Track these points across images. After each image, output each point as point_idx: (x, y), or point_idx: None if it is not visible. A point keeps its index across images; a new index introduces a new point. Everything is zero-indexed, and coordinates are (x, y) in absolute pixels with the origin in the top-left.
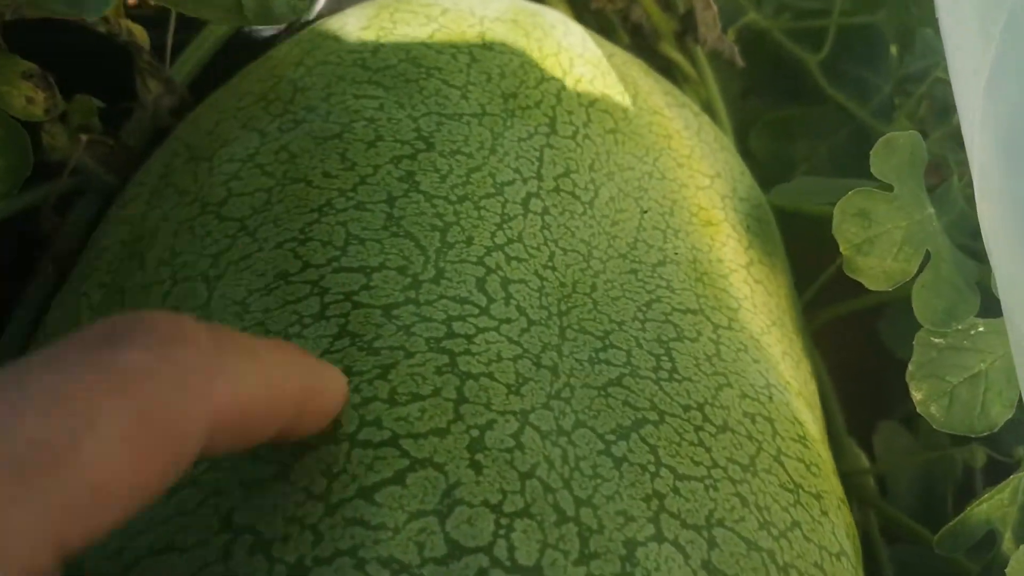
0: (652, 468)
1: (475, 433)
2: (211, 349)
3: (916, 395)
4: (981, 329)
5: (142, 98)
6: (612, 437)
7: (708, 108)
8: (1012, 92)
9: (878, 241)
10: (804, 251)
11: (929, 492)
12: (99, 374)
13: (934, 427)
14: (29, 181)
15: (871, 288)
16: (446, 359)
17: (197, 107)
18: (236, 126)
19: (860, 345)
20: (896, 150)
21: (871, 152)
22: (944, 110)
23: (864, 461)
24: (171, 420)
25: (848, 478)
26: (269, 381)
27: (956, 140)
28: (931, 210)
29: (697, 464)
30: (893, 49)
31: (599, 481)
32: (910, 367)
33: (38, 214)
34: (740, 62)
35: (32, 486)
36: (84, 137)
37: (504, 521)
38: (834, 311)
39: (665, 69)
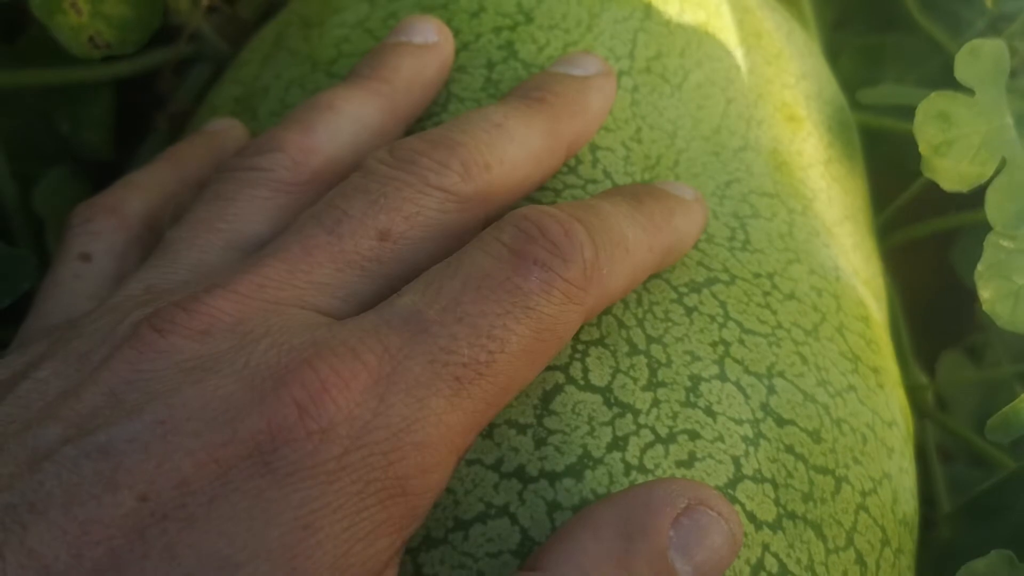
0: (720, 320)
1: None
2: (592, 260)
3: (983, 294)
4: None
5: None
6: (685, 289)
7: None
8: None
9: (956, 144)
10: (883, 178)
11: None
12: (512, 300)
13: (998, 325)
14: (151, 45)
15: (946, 189)
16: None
17: None
18: None
19: (931, 274)
20: (980, 57)
21: (955, 56)
22: None
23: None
24: (558, 333)
25: (909, 392)
26: (636, 275)
27: None
28: (1010, 119)
29: (763, 323)
30: None
31: (670, 324)
32: (978, 267)
33: (157, 79)
34: None
35: (465, 393)
36: (205, 2)
37: (580, 347)
38: (909, 232)
39: None
